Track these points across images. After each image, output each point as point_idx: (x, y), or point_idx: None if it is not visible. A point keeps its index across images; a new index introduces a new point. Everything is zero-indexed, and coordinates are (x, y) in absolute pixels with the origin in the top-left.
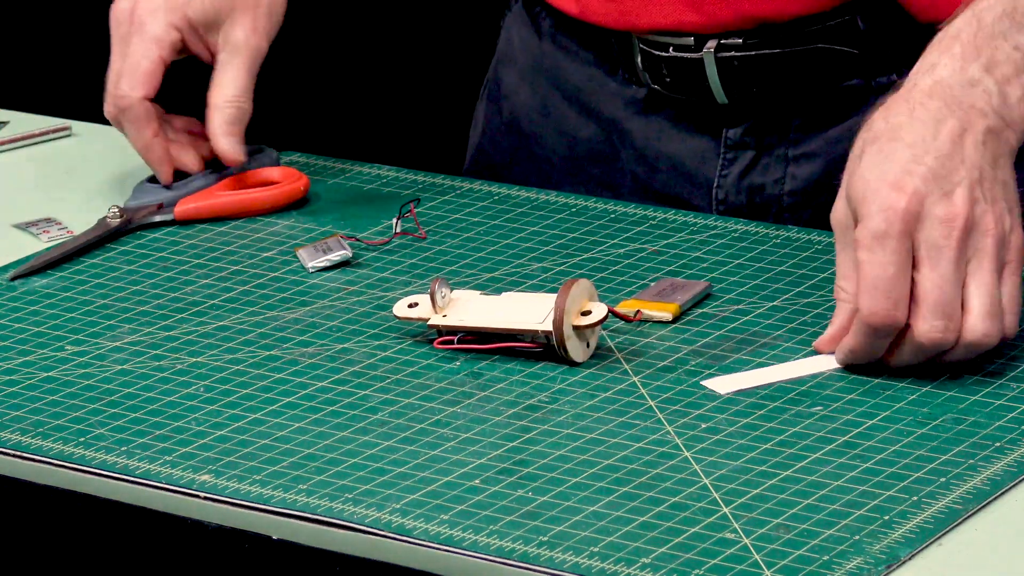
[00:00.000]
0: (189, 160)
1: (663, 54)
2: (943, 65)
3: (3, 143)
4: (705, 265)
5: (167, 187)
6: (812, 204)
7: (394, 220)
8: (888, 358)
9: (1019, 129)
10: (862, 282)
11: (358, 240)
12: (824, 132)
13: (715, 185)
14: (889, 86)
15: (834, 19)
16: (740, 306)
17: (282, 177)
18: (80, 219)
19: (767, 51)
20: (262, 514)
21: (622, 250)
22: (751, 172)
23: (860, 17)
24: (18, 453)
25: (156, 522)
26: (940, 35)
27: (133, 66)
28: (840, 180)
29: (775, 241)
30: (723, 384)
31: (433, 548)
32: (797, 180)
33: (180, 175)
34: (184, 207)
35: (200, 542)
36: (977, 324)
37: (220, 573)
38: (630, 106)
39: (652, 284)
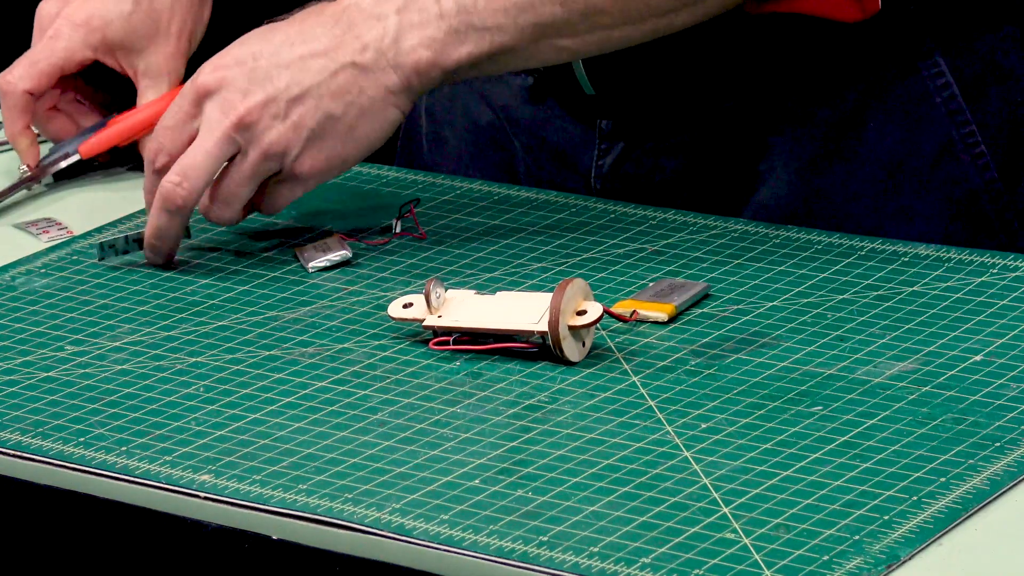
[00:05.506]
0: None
1: None
2: None
3: (3, 143)
4: (705, 265)
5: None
6: (682, 195)
7: (394, 220)
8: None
9: (407, 72)
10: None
11: (358, 240)
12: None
13: (592, 175)
14: None
15: None
16: (740, 306)
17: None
18: (80, 219)
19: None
20: (262, 514)
21: (622, 250)
22: (624, 163)
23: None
24: (18, 453)
25: (156, 522)
26: None
27: (33, 60)
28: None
29: (775, 241)
30: None
31: (433, 548)
32: (666, 172)
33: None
34: (87, 145)
35: (200, 542)
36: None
37: (220, 573)
38: (519, 94)
39: (651, 284)
